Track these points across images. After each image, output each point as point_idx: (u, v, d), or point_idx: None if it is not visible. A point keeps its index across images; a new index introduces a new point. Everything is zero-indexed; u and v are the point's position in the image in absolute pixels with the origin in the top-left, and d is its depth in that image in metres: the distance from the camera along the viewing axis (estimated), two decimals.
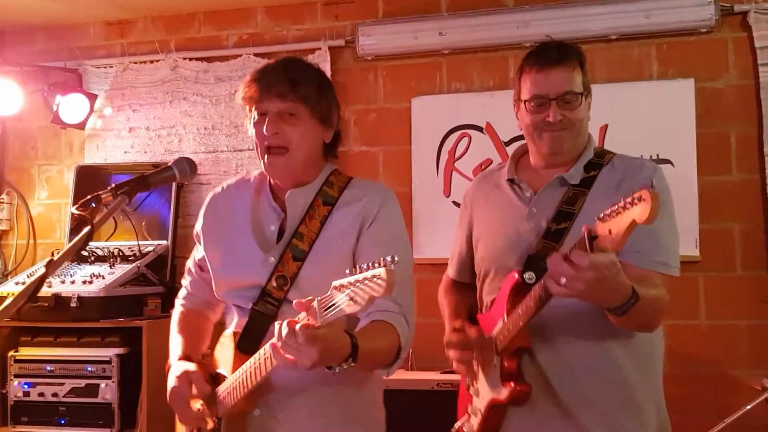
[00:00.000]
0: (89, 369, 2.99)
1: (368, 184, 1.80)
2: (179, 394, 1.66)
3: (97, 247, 3.37)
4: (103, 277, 3.09)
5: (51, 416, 3.01)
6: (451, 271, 2.08)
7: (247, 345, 1.63)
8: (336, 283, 1.25)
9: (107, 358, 2.98)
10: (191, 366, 1.68)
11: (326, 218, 1.68)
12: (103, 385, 2.96)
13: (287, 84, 1.62)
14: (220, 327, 1.86)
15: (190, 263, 1.91)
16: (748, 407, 2.32)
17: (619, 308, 1.48)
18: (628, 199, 1.24)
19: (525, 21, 3.36)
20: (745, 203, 3.14)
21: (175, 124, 3.79)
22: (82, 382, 2.99)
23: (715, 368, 3.08)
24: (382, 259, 1.19)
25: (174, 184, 3.54)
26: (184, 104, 3.78)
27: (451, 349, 1.79)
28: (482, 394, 1.79)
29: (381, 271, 1.18)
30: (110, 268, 3.19)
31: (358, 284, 1.21)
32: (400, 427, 2.92)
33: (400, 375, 3.11)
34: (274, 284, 1.63)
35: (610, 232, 1.28)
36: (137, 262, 3.22)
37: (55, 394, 3.01)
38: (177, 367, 1.70)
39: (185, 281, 1.93)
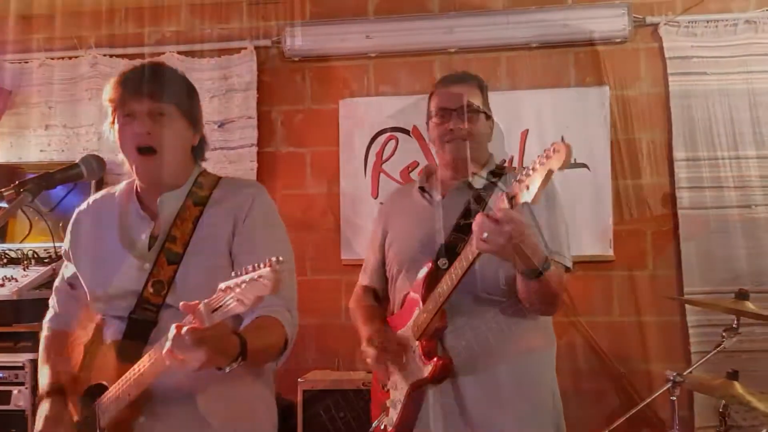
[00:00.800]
0: (1, 375, 2.88)
1: (239, 181, 1.81)
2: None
3: (10, 249, 3.26)
4: (17, 280, 3.00)
5: None
6: (363, 280, 2.17)
7: (127, 353, 1.59)
8: (222, 285, 1.27)
9: (20, 364, 2.89)
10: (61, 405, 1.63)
11: (198, 218, 1.66)
12: (15, 392, 2.86)
13: (158, 84, 1.62)
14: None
15: (58, 283, 1.86)
16: (652, 397, 2.44)
17: (536, 270, 1.63)
18: (543, 155, 1.39)
19: (450, 27, 3.45)
20: (656, 205, 3.32)
21: (94, 122, 3.68)
22: None
23: (627, 362, 3.22)
24: (267, 259, 1.23)
25: (93, 184, 3.43)
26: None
27: (371, 349, 1.87)
28: (400, 384, 1.88)
29: (266, 272, 1.22)
30: (24, 270, 3.10)
31: (244, 285, 1.24)
32: (326, 427, 2.97)
33: (326, 375, 3.12)
34: (151, 290, 1.61)
35: (527, 188, 1.43)
36: (52, 264, 3.13)
37: None
38: (46, 405, 1.65)
39: (52, 301, 1.87)
